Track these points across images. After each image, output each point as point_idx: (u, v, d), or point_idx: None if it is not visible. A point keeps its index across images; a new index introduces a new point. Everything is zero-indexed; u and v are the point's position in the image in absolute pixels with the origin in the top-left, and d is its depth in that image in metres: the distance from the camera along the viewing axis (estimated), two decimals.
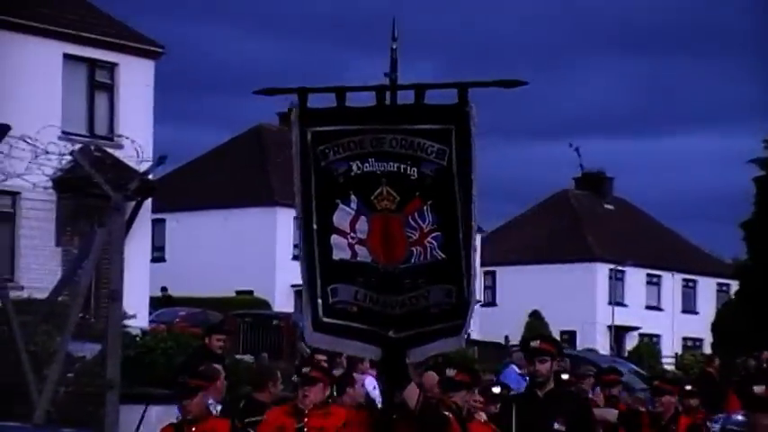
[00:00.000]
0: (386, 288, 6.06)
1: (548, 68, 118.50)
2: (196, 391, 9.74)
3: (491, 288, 63.43)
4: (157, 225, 43.13)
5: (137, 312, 28.53)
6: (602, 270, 62.24)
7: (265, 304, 43.57)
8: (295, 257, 51.34)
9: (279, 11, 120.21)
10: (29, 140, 17.06)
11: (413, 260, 6.02)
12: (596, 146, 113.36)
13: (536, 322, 54.63)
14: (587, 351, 41.81)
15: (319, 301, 6.18)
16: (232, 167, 52.46)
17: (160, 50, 36.10)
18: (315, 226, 6.15)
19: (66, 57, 33.51)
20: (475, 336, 47.34)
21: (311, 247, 6.18)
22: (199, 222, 49.47)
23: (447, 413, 7.03)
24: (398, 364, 6.11)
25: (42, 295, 17.02)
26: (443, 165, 5.93)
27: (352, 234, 6.09)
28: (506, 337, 44.54)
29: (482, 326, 53.77)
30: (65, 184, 27.46)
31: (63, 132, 27.12)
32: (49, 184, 24.69)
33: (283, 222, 51.20)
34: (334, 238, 6.12)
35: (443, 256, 5.97)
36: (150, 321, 31.38)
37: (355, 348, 6.35)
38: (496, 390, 12.50)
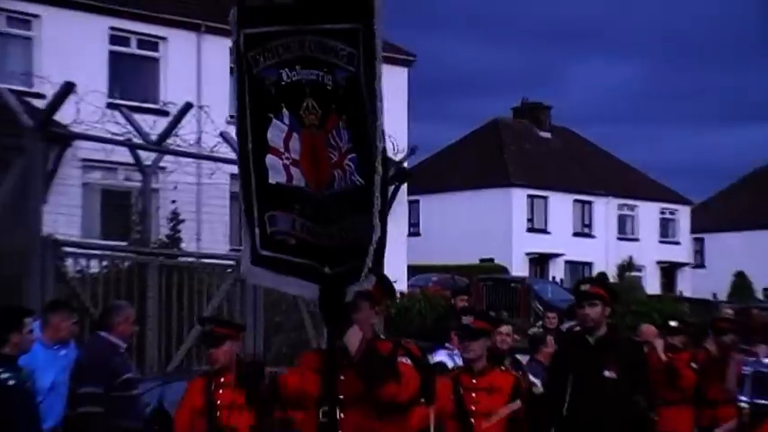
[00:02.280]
0: (318, 217, 4.85)
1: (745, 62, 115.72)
2: (223, 339, 8.31)
3: (700, 252, 61.85)
4: (413, 205, 43.54)
5: (397, 278, 28.86)
6: None
7: (504, 270, 43.50)
8: (529, 230, 51.52)
9: (508, 22, 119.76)
10: None
11: (335, 185, 4.80)
12: None
13: (741, 281, 53.15)
14: None
15: (257, 230, 5.04)
16: (474, 155, 52.62)
17: (412, 59, 36.41)
18: (250, 145, 5.00)
19: None
20: (687, 293, 46.56)
21: (247, 169, 5.03)
22: (447, 202, 49.71)
23: (403, 359, 5.61)
24: (337, 304, 4.96)
25: None
26: (353, 71, 4.66)
27: (286, 154, 4.91)
28: (714, 295, 43.32)
29: (693, 285, 52.82)
30: None
31: None
32: None
33: (518, 200, 51.38)
34: (270, 159, 4.96)
35: (361, 181, 4.70)
36: (408, 286, 31.63)
37: (293, 286, 5.12)
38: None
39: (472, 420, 7.72)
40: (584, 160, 55.32)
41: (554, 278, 44.95)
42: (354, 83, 4.68)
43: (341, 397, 5.17)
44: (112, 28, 28.87)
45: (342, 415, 5.14)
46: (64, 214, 18.72)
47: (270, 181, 4.96)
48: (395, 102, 35.40)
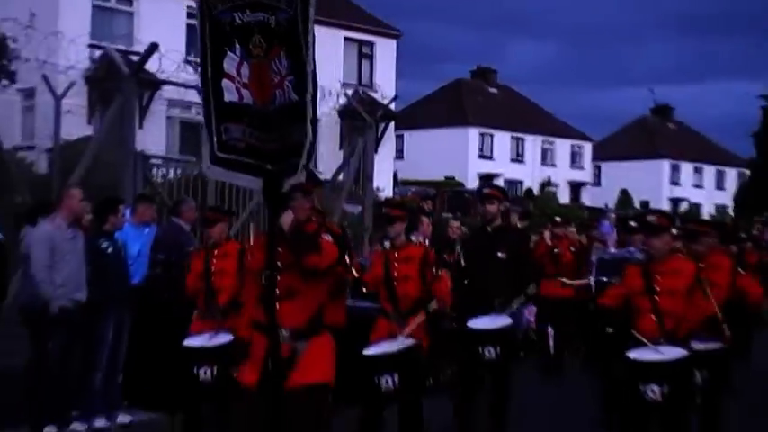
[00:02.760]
0: (263, 127, 4.44)
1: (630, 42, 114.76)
2: (215, 222, 7.95)
3: (597, 175, 61.51)
4: (399, 138, 43.38)
5: (384, 188, 28.93)
6: (666, 166, 60.64)
7: (461, 184, 43.28)
8: (479, 157, 51.45)
9: (466, 11, 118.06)
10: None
11: (277, 101, 4.39)
12: (665, 89, 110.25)
13: (624, 196, 53.10)
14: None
15: (215, 138, 4.64)
16: (443, 103, 52.44)
17: (399, 34, 36.08)
18: (209, 71, 4.58)
19: (346, 39, 33.78)
20: (587, 204, 46.58)
21: (207, 91, 4.62)
22: (423, 136, 49.33)
23: (325, 236, 5.15)
24: (276, 194, 4.59)
25: (328, 176, 17.31)
26: (292, 13, 4.29)
27: (238, 78, 4.51)
28: (606, 205, 43.35)
29: (592, 198, 52.84)
30: (347, 113, 27.55)
31: (343, 83, 27.43)
32: (334, 113, 24.84)
33: (473, 136, 51.32)
34: (225, 83, 4.55)
35: (296, 97, 4.35)
36: (393, 194, 31.58)
37: (243, 180, 4.73)
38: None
39: (395, 284, 7.46)
40: (519, 109, 55.09)
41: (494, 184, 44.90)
42: (293, 22, 4.29)
43: (279, 264, 4.84)
44: (189, 7, 28.51)
45: (278, 278, 4.83)
46: (153, 137, 18.68)
47: (225, 99, 4.53)
48: (386, 64, 35.22)
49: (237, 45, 4.44)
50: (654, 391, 6.01)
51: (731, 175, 60.88)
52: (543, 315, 12.73)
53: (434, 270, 7.57)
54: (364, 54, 34.96)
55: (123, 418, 8.40)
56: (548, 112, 58.05)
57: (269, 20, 4.31)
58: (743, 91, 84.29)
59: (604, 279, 12.12)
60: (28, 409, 8.02)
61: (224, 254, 7.88)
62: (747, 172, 48.12)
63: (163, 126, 25.04)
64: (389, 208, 7.86)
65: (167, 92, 23.17)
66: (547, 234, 13.04)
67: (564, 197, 49.63)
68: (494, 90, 56.35)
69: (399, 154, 45.26)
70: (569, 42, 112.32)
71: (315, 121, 4.33)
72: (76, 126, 18.47)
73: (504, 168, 51.70)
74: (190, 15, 28.96)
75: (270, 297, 4.67)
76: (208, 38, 4.50)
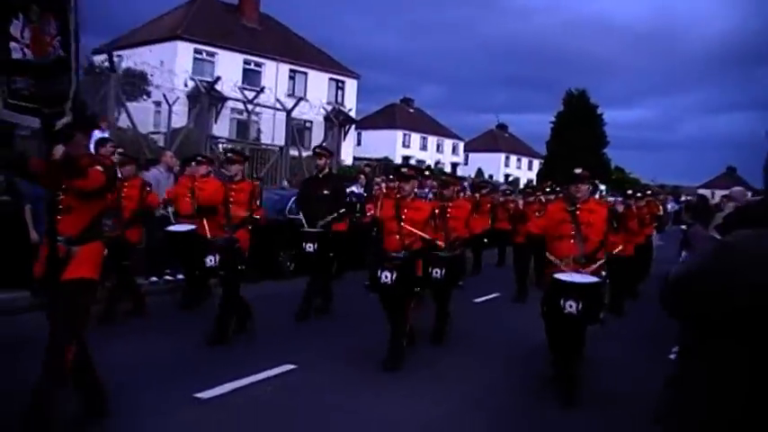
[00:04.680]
0: (41, 77, 3.31)
1: (486, 87, 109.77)
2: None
3: (466, 159, 60.54)
4: (359, 134, 42.67)
5: (345, 159, 28.00)
6: (503, 156, 60.55)
7: (392, 161, 41.97)
8: (403, 146, 50.80)
9: (396, 66, 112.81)
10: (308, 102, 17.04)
11: (51, 56, 3.28)
12: (505, 115, 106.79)
13: (479, 172, 51.93)
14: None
15: (6, 88, 3.35)
16: (383, 115, 51.18)
17: (359, 76, 35.45)
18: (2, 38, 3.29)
19: (329, 78, 33.19)
20: (459, 175, 46.57)
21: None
22: (373, 134, 47.97)
23: (96, 167, 3.64)
24: (51, 131, 3.35)
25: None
26: None
27: (21, 40, 3.29)
28: (469, 175, 42.75)
29: (462, 172, 52.89)
30: (327, 118, 23.69)
31: (327, 102, 26.80)
32: (321, 118, 22.73)
33: (399, 135, 50.47)
34: (12, 44, 3.30)
35: (63, 53, 3.27)
36: (353, 165, 31.03)
37: (27, 120, 3.39)
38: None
39: (230, 205, 5.96)
40: (425, 121, 54.62)
41: (411, 163, 44.71)
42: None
43: (63, 187, 3.59)
44: (245, 60, 27.81)
45: (61, 197, 3.73)
46: (221, 127, 18.47)
47: (12, 57, 3.36)
48: (351, 92, 34.83)
49: (20, 14, 3.36)
50: (386, 275, 5.20)
51: (536, 162, 61.37)
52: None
53: (257, 201, 6.09)
54: (339, 87, 34.70)
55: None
56: (442, 124, 57.69)
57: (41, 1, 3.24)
58: (544, 118, 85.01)
59: None
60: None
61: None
62: (542, 161, 48.83)
63: (227, 121, 25.09)
64: (232, 154, 6.23)
65: (230, 102, 22.99)
66: (383, 186, 11.83)
67: (448, 171, 49.74)
68: (412, 110, 55.75)
69: (359, 143, 44.95)
70: (455, 86, 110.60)
71: (77, 71, 3.32)
72: (180, 121, 18.51)
73: (415, 153, 51.31)
74: (246, 62, 28.59)
75: (52, 212, 3.53)
76: None
